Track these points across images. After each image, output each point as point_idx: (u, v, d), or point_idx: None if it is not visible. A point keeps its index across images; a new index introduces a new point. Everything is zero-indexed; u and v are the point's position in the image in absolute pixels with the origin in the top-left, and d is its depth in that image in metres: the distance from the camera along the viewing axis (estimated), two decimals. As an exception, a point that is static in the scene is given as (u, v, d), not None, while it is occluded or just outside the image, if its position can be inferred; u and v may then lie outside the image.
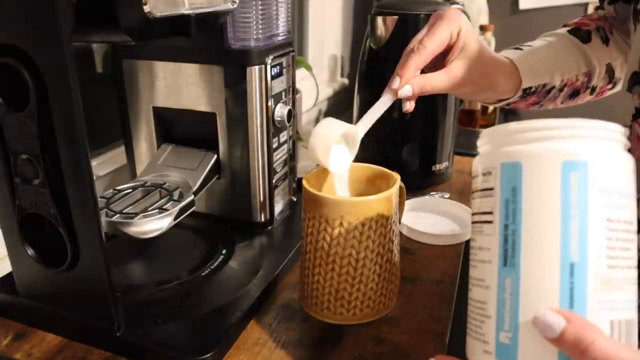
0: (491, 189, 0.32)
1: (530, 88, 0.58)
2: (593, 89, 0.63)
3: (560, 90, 0.61)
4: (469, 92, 0.55)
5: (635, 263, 0.30)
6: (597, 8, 0.69)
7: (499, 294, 0.31)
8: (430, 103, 0.86)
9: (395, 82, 0.52)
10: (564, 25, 0.66)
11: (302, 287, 0.55)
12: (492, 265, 0.31)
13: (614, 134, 0.31)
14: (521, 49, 0.60)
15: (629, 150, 0.32)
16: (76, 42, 0.39)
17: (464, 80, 0.52)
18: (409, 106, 0.53)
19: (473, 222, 0.34)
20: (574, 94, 0.62)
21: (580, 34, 0.63)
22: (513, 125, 0.32)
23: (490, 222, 0.32)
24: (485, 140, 0.34)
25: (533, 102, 0.61)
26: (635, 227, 0.30)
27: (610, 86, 0.65)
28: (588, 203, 0.28)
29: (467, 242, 0.73)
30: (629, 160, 0.31)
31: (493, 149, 0.33)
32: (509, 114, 1.63)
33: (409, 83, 0.51)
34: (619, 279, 0.29)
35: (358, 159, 0.56)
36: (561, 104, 0.64)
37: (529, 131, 0.31)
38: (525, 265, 0.30)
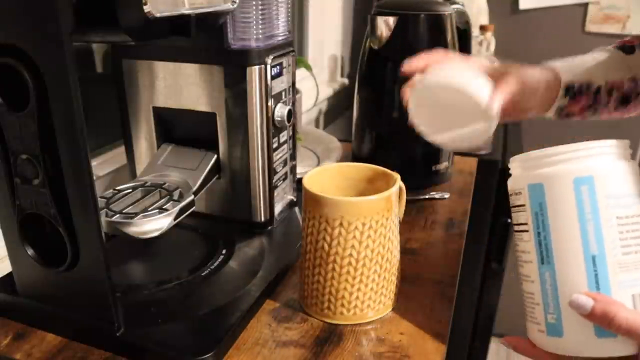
0: (523, 205, 0.41)
1: (573, 87, 0.57)
2: None
3: (609, 93, 0.60)
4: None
5: None
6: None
7: (542, 285, 0.40)
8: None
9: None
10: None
11: (302, 287, 0.55)
12: (533, 264, 0.40)
13: (612, 149, 0.39)
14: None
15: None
16: (76, 42, 0.39)
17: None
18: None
19: (515, 232, 0.43)
20: (625, 100, 0.61)
21: (624, 48, 0.62)
22: (535, 153, 0.40)
23: (526, 231, 0.41)
24: (515, 165, 0.43)
25: (585, 105, 0.60)
26: None
27: None
28: (598, 208, 0.37)
29: (467, 242, 0.74)
30: (630, 167, 0.38)
31: (521, 172, 0.42)
32: (509, 124, 1.63)
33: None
34: (634, 261, 0.36)
35: (358, 159, 0.56)
36: (615, 112, 0.62)
37: (546, 157, 0.39)
38: (557, 261, 0.38)
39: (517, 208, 0.42)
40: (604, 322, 0.36)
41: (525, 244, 0.41)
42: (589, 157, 0.38)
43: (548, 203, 0.39)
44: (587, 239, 0.37)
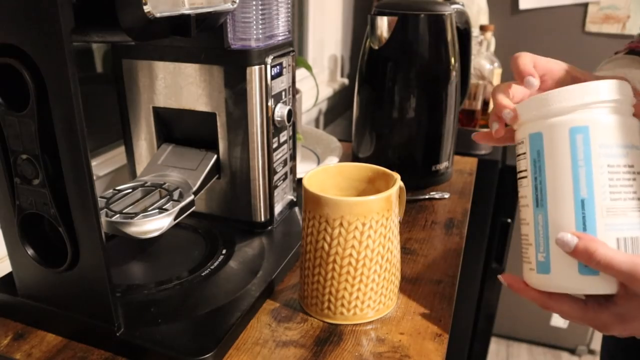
0: (524, 153, 0.43)
1: None
2: None
3: None
4: None
5: None
6: None
7: (535, 227, 0.42)
8: (431, 103, 0.86)
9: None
10: (616, 53, 0.66)
11: (302, 287, 0.55)
12: (529, 207, 0.43)
13: (611, 102, 0.40)
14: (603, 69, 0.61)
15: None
16: (76, 42, 0.39)
17: None
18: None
19: (517, 179, 0.45)
20: None
21: (637, 52, 0.63)
22: (537, 98, 0.42)
23: (525, 177, 0.43)
24: (523, 113, 0.44)
25: None
26: (637, 167, 0.39)
27: None
28: (591, 155, 0.39)
29: (467, 242, 0.74)
30: (627, 120, 0.40)
31: (523, 122, 0.44)
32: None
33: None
34: (622, 207, 0.39)
35: (358, 159, 0.56)
36: None
37: (547, 105, 0.41)
38: (550, 204, 0.41)
39: (520, 156, 0.44)
40: (585, 258, 0.39)
41: (524, 189, 0.44)
42: (587, 107, 0.40)
43: (545, 150, 0.41)
44: (578, 183, 0.39)
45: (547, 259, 0.41)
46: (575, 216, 0.39)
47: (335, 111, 1.63)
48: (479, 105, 1.31)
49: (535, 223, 0.42)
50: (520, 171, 0.44)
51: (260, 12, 0.59)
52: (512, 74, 0.49)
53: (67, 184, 0.43)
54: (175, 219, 0.55)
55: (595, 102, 0.40)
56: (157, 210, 0.55)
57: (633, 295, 0.40)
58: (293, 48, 0.67)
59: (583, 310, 0.42)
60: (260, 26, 0.59)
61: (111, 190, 0.58)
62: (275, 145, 0.65)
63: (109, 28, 0.41)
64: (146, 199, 0.59)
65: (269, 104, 0.62)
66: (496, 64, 1.37)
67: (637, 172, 0.39)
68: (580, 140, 0.39)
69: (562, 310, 0.43)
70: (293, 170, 0.72)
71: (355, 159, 0.95)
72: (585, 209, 0.39)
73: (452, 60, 0.86)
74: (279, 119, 0.64)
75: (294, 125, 0.69)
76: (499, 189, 1.22)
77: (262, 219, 0.67)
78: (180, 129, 0.68)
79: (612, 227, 0.39)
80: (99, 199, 0.47)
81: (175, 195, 0.59)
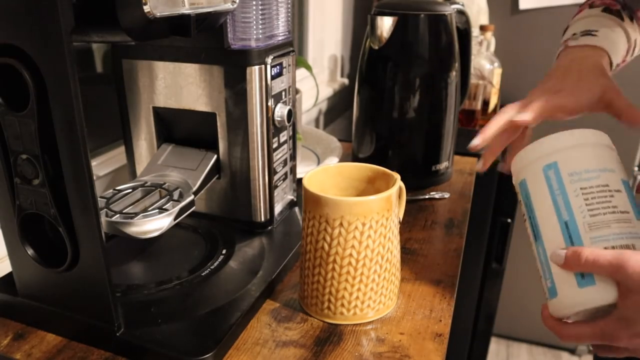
0: (520, 200, 0.49)
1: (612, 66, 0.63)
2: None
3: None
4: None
5: (624, 208, 0.43)
6: None
7: (539, 258, 0.46)
8: (431, 103, 0.86)
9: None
10: (591, 6, 0.69)
11: (302, 287, 0.55)
12: (532, 244, 0.47)
13: (573, 137, 0.46)
14: (596, 35, 0.63)
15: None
16: (76, 42, 0.39)
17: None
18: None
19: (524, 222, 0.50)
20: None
21: (614, 13, 0.66)
22: (518, 154, 0.49)
23: (525, 219, 0.48)
24: (513, 168, 0.50)
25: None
26: (614, 185, 0.44)
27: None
28: (564, 183, 0.44)
29: (467, 242, 0.73)
30: (595, 150, 0.45)
31: (515, 173, 0.50)
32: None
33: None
34: (604, 221, 0.42)
35: (358, 159, 0.56)
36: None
37: (524, 156, 0.48)
38: (543, 233, 0.45)
39: (519, 203, 0.50)
40: (575, 262, 0.42)
41: (527, 230, 0.49)
42: (553, 147, 0.46)
43: (530, 191, 0.47)
44: (558, 208, 0.44)
45: (552, 282, 0.45)
46: (562, 237, 0.44)
47: (335, 111, 1.63)
48: (479, 105, 1.31)
49: (538, 254, 0.46)
50: (523, 215, 0.49)
51: (260, 12, 0.59)
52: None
53: (67, 184, 0.43)
54: (175, 219, 0.55)
55: (561, 148, 0.46)
56: (157, 210, 0.55)
57: (628, 292, 0.40)
58: (293, 48, 0.67)
59: (592, 327, 0.43)
60: (260, 26, 0.59)
61: (111, 190, 0.58)
62: (275, 145, 0.65)
63: (109, 28, 0.41)
64: (146, 199, 0.59)
65: (269, 104, 0.62)
66: (496, 64, 1.37)
67: (614, 189, 0.44)
68: (552, 174, 0.45)
69: (576, 333, 0.44)
70: (293, 170, 0.72)
71: (355, 159, 0.95)
72: (569, 229, 0.43)
73: (452, 60, 0.86)
74: (279, 119, 0.64)
75: (294, 125, 0.69)
76: (499, 189, 1.22)
77: (262, 219, 0.67)
78: (180, 129, 0.68)
79: (598, 239, 0.42)
80: (99, 199, 0.47)
81: (175, 195, 0.59)
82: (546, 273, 0.45)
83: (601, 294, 0.42)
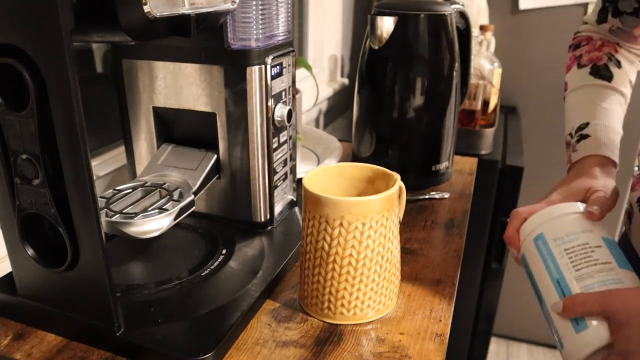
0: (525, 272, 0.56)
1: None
2: None
3: None
4: None
5: (606, 259, 0.49)
6: (599, 21, 0.71)
7: (546, 317, 0.51)
8: (431, 103, 0.86)
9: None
10: (580, 66, 0.70)
11: (302, 287, 0.55)
12: (540, 307, 0.53)
13: (554, 212, 0.54)
14: (591, 136, 0.64)
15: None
16: (76, 42, 0.39)
17: None
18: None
19: None
20: None
21: (601, 72, 0.68)
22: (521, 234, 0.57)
23: (532, 288, 0.55)
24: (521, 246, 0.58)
25: None
26: (593, 243, 0.50)
27: None
28: (551, 248, 0.52)
29: (467, 242, 0.73)
30: (571, 217, 0.53)
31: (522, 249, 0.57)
32: (509, 114, 1.63)
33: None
34: (588, 272, 0.48)
35: (358, 159, 0.56)
36: None
37: (521, 237, 0.56)
38: (543, 294, 0.52)
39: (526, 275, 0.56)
40: (570, 308, 0.47)
41: (536, 297, 0.54)
42: (539, 222, 0.54)
43: (528, 261, 0.54)
44: (549, 269, 0.51)
45: (558, 335, 0.49)
46: (556, 292, 0.50)
47: (335, 111, 1.63)
48: (479, 105, 1.31)
49: (545, 315, 0.51)
50: (531, 288, 0.56)
51: (260, 12, 0.59)
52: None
53: (67, 184, 0.43)
54: (175, 219, 0.55)
55: (544, 220, 0.54)
56: (157, 210, 0.55)
57: (620, 327, 0.44)
58: (293, 48, 0.67)
59: None
60: (260, 26, 0.59)
61: (111, 190, 0.58)
62: (275, 145, 0.65)
63: (109, 28, 0.41)
64: (146, 199, 0.59)
65: (269, 104, 0.62)
66: (496, 64, 1.37)
67: (594, 246, 0.50)
68: (541, 243, 0.53)
69: None
70: (293, 170, 0.72)
71: (355, 159, 0.95)
72: (561, 285, 0.49)
73: (452, 60, 0.86)
74: (279, 119, 0.64)
75: (294, 125, 0.69)
76: (499, 189, 1.22)
77: (262, 219, 0.67)
78: (180, 129, 0.68)
79: (585, 289, 0.48)
80: (99, 199, 0.47)
81: (175, 195, 0.59)
82: (552, 328, 0.50)
83: (596, 334, 0.46)
